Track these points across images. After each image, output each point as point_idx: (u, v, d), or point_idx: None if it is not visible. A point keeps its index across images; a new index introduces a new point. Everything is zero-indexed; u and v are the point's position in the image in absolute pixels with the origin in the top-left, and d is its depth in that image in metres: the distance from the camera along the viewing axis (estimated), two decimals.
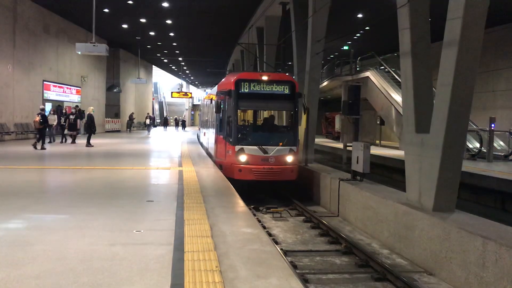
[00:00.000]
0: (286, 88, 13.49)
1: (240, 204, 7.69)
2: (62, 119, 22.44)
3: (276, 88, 13.41)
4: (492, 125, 16.20)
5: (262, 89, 13.35)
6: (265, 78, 13.44)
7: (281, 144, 13.20)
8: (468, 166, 13.68)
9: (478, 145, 17.19)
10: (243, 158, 12.84)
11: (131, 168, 12.50)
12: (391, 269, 7.48)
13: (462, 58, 7.57)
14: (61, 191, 9.02)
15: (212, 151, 16.26)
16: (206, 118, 21.65)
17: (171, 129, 52.78)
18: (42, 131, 18.37)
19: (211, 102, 18.20)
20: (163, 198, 8.06)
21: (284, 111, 16.17)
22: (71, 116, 22.50)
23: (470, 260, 6.68)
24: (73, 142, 21.96)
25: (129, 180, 10.37)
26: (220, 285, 3.83)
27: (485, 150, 16.46)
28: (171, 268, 4.25)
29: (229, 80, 13.96)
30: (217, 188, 9.27)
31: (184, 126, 54.06)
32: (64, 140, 22.22)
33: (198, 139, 28.65)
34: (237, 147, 12.90)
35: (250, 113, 16.78)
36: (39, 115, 18.38)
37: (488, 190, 12.42)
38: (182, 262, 4.42)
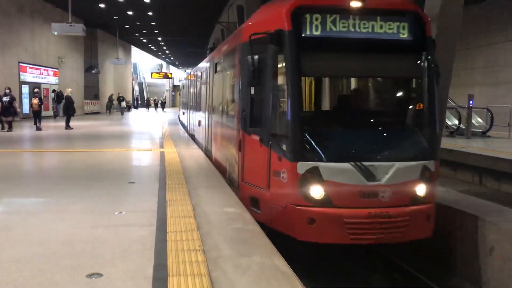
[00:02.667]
0: (405, 28, 6.22)
1: (223, 184, 7.69)
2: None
3: (383, 27, 6.14)
4: (471, 102, 16.41)
5: (353, 30, 6.09)
6: (357, 4, 6.09)
7: (403, 156, 6.09)
8: (447, 143, 13.88)
9: (456, 122, 17.42)
10: (317, 191, 5.75)
11: (112, 150, 12.36)
12: None
13: (441, 34, 7.61)
14: (40, 175, 8.90)
15: (224, 162, 8.92)
16: (206, 96, 12.65)
17: (152, 110, 52.76)
18: (39, 113, 19.61)
19: (215, 71, 10.97)
20: (145, 180, 8.01)
21: (403, 79, 7.02)
22: (5, 98, 17.92)
23: None
24: (10, 129, 17.86)
25: (110, 162, 10.27)
26: (204, 264, 3.85)
27: (463, 127, 16.69)
28: (154, 248, 4.25)
29: (276, 12, 6.45)
30: (199, 169, 9.24)
31: (163, 107, 54.89)
32: (2, 127, 18.16)
33: (182, 124, 24.63)
34: (303, 165, 5.79)
35: (327, 84, 8.32)
36: (37, 98, 19.87)
37: (467, 166, 12.64)
38: (165, 242, 4.41)
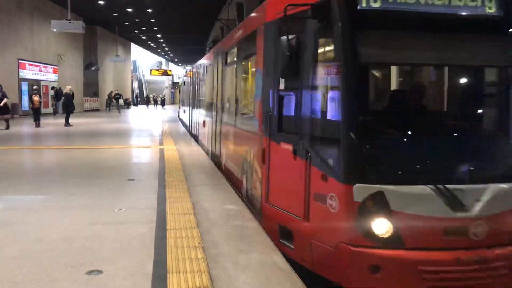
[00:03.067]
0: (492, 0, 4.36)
1: (222, 181, 7.69)
2: None
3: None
4: None
5: (424, 2, 4.21)
6: None
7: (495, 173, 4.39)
8: None
9: None
10: (382, 226, 3.91)
11: (111, 147, 12.36)
12: None
13: None
14: (40, 172, 8.90)
15: (239, 174, 7.19)
16: (213, 92, 10.65)
17: (152, 107, 52.90)
18: (39, 111, 19.76)
19: (225, 63, 9.30)
20: (145, 177, 8.02)
21: (495, 69, 4.87)
22: None
23: None
24: (6, 127, 17.13)
25: (109, 159, 10.26)
26: (203, 261, 3.85)
27: None
28: (153, 245, 4.25)
29: None
30: (198, 166, 9.23)
31: (163, 104, 55.20)
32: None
33: (183, 122, 23.66)
34: (362, 189, 3.94)
35: (394, 76, 5.79)
36: (38, 95, 20.21)
37: None
38: (164, 239, 4.42)
